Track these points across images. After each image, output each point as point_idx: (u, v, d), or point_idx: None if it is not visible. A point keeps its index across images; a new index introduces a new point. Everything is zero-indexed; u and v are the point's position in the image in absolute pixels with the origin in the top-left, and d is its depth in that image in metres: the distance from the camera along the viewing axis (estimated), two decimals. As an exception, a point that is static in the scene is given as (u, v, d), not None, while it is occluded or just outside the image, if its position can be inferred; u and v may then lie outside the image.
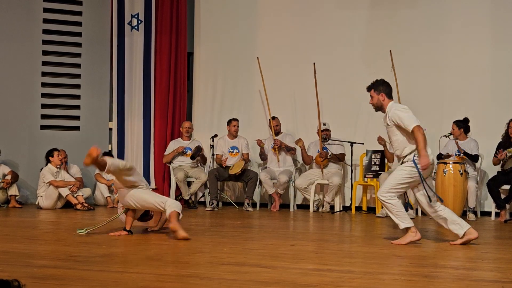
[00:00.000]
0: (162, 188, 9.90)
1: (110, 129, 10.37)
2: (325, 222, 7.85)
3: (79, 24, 10.24)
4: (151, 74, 10.24)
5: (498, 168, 8.42)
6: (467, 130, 8.61)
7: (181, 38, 10.35)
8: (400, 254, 5.02)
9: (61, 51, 10.16)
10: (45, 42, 10.09)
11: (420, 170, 5.51)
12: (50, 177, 9.05)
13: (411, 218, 8.13)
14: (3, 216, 8.06)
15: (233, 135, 9.60)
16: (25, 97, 9.96)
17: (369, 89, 5.83)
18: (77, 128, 10.23)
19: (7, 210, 8.87)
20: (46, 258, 4.79)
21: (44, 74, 10.08)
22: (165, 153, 9.77)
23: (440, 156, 8.48)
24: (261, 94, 9.89)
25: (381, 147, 8.65)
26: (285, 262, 4.52)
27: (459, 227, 5.65)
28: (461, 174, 8.09)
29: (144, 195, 5.89)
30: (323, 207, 9.11)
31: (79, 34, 10.24)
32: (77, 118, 10.23)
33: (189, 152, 9.61)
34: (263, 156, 9.60)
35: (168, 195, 9.63)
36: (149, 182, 9.68)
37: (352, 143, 9.02)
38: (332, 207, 9.09)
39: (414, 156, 5.58)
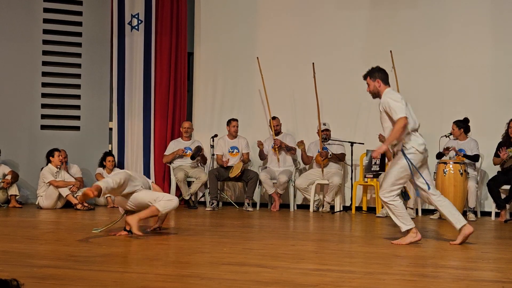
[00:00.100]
0: (163, 188, 9.86)
1: (110, 129, 10.37)
2: (325, 222, 7.85)
3: (79, 24, 10.24)
4: (151, 74, 10.24)
5: (498, 168, 8.42)
6: (467, 130, 8.61)
7: (181, 38, 10.35)
8: (400, 254, 5.02)
9: (61, 51, 10.16)
10: (45, 42, 10.09)
11: (410, 159, 5.51)
12: (50, 177, 9.05)
13: (412, 218, 8.17)
14: (3, 216, 8.06)
15: (233, 135, 9.60)
16: (25, 97, 9.96)
17: (365, 77, 5.86)
18: (77, 128, 10.23)
19: (7, 210, 8.87)
20: (46, 258, 4.79)
21: (44, 74, 10.08)
22: (165, 153, 9.77)
23: (440, 155, 8.48)
24: (261, 94, 9.89)
25: (381, 147, 8.64)
26: (285, 262, 4.52)
27: (457, 220, 5.64)
28: (461, 174, 8.09)
29: (139, 197, 5.88)
30: (323, 207, 9.12)
31: (79, 34, 10.24)
32: (77, 118, 10.23)
33: (189, 152, 9.61)
34: (262, 156, 9.61)
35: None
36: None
37: (352, 143, 9.02)
38: (332, 207, 9.09)
39: (402, 146, 5.59)
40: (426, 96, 9.20)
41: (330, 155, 9.13)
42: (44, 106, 10.07)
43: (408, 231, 5.65)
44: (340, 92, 9.64)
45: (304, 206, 9.52)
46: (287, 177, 9.23)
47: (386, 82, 5.77)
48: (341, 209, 9.09)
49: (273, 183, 9.30)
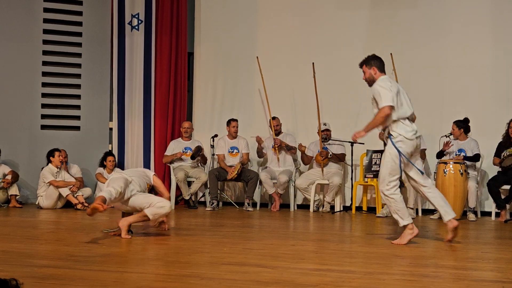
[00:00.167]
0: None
1: (111, 129, 10.37)
2: (325, 222, 7.85)
3: (79, 24, 10.24)
4: (151, 74, 10.24)
5: (498, 168, 8.42)
6: (467, 130, 8.61)
7: (181, 38, 10.36)
8: (400, 254, 5.02)
9: (62, 51, 10.16)
10: (45, 42, 10.09)
11: (398, 148, 5.50)
12: (50, 177, 9.05)
13: (412, 218, 8.16)
14: (4, 216, 8.06)
15: (233, 135, 9.60)
16: (26, 97, 9.96)
17: (361, 65, 5.86)
18: (77, 128, 10.23)
19: (8, 210, 8.87)
20: (46, 258, 4.79)
21: (44, 74, 10.08)
22: (165, 153, 9.77)
23: (440, 155, 8.47)
24: (261, 94, 9.89)
25: (381, 147, 8.64)
26: (285, 262, 4.52)
27: (445, 213, 5.64)
28: (461, 174, 8.09)
29: (134, 202, 5.87)
30: (323, 207, 9.12)
31: (79, 34, 10.24)
32: (78, 118, 10.23)
33: (189, 152, 9.62)
34: (260, 153, 9.59)
35: (169, 196, 9.63)
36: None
37: (352, 143, 9.01)
38: (332, 207, 9.09)
39: (389, 134, 5.57)
40: (426, 96, 9.20)
41: (330, 155, 9.13)
42: (44, 106, 10.07)
43: (405, 227, 5.63)
44: (340, 92, 9.64)
45: (304, 206, 9.52)
46: (288, 177, 9.23)
47: (382, 70, 5.78)
48: (341, 209, 9.09)
49: (273, 183, 9.30)
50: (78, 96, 10.24)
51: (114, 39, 10.29)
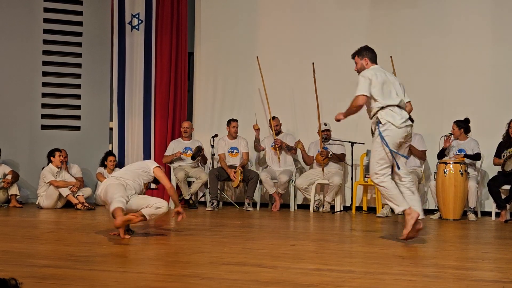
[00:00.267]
0: (163, 188, 9.87)
1: (111, 128, 10.37)
2: (326, 222, 7.85)
3: (79, 24, 10.24)
4: (151, 74, 10.24)
5: (498, 168, 8.42)
6: (467, 130, 8.60)
7: (181, 38, 10.36)
8: (400, 254, 5.02)
9: (62, 50, 10.16)
10: (45, 41, 10.09)
11: (384, 138, 5.47)
12: (50, 177, 9.05)
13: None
14: (4, 216, 8.07)
15: (233, 135, 9.60)
16: (26, 97, 9.96)
17: (353, 56, 5.89)
18: (77, 128, 10.23)
19: (8, 210, 8.87)
20: (47, 257, 4.79)
21: (44, 73, 10.09)
22: (165, 153, 9.77)
23: (441, 155, 8.47)
24: (261, 93, 9.88)
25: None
26: (286, 262, 4.52)
27: (395, 206, 5.59)
28: (462, 174, 8.09)
29: (132, 205, 5.85)
30: (323, 207, 9.12)
31: (79, 34, 10.25)
32: (78, 117, 10.23)
33: (189, 152, 9.62)
34: (257, 147, 9.56)
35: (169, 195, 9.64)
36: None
37: (352, 143, 9.01)
38: (332, 207, 9.09)
39: (377, 121, 5.54)
40: (426, 96, 9.19)
41: (331, 154, 9.13)
42: (44, 106, 10.07)
43: (404, 213, 5.59)
44: (340, 92, 9.59)
45: (304, 206, 9.52)
46: (288, 177, 9.23)
47: (374, 61, 5.81)
48: (342, 209, 9.09)
49: (274, 183, 9.30)
50: (78, 96, 10.24)
51: (114, 39, 10.29)
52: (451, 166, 8.12)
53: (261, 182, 9.32)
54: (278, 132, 9.55)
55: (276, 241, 5.76)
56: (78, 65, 10.23)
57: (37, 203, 9.23)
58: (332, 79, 9.61)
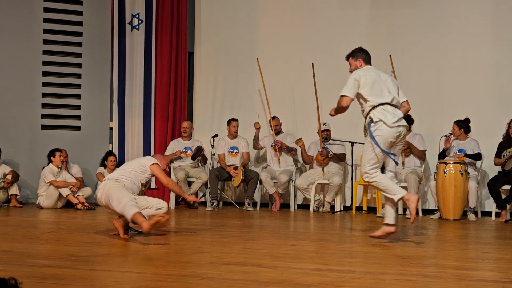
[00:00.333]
0: (163, 188, 9.89)
1: (111, 128, 10.37)
2: (326, 222, 7.84)
3: (79, 23, 10.25)
4: (151, 73, 10.25)
5: (498, 168, 8.42)
6: (467, 130, 8.60)
7: (181, 38, 10.36)
8: (400, 254, 5.02)
9: (62, 50, 10.17)
10: (45, 41, 10.09)
11: (374, 135, 5.45)
12: (50, 177, 9.05)
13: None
14: (4, 216, 8.07)
15: (233, 135, 9.60)
16: (26, 97, 9.96)
17: (347, 57, 5.90)
18: (77, 128, 10.23)
19: (8, 210, 8.87)
20: (47, 257, 4.79)
21: (44, 73, 10.09)
22: (165, 153, 9.77)
23: (442, 156, 8.47)
24: (260, 94, 9.88)
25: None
26: (286, 262, 4.52)
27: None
28: (462, 174, 8.09)
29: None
30: (323, 207, 9.12)
31: (79, 34, 10.25)
32: (78, 117, 10.23)
33: (189, 152, 9.62)
34: (256, 144, 9.56)
35: (169, 195, 9.65)
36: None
37: (352, 143, 9.01)
38: (332, 207, 9.09)
39: (369, 119, 5.53)
40: (426, 96, 9.20)
41: (331, 154, 9.13)
42: (44, 105, 10.07)
43: (402, 199, 5.56)
44: (340, 92, 9.61)
45: (304, 206, 9.52)
46: (288, 177, 9.23)
47: (368, 62, 5.82)
48: (342, 209, 9.09)
49: (274, 183, 9.30)
50: (78, 96, 10.24)
51: (114, 39, 10.30)
52: (451, 166, 8.12)
53: (261, 182, 9.32)
54: (278, 132, 9.55)
55: (276, 241, 5.76)
56: (78, 65, 10.23)
57: (37, 203, 9.23)
58: (332, 79, 9.58)
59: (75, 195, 9.06)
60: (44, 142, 9.75)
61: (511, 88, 9.02)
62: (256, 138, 9.54)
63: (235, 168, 9.28)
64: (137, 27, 10.30)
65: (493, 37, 9.15)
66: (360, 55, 5.79)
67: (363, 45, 9.75)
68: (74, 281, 3.76)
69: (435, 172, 8.37)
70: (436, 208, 8.36)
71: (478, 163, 8.60)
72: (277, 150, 9.37)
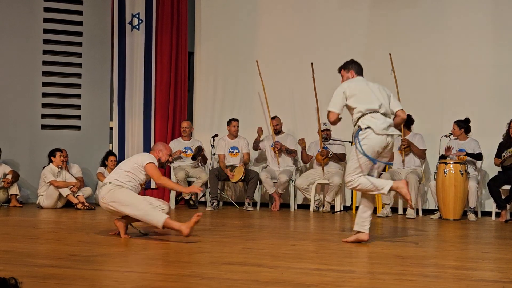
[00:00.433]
0: (162, 188, 9.89)
1: (111, 128, 10.37)
2: (326, 222, 7.85)
3: (79, 23, 10.25)
4: (151, 73, 10.25)
5: (498, 168, 8.42)
6: (467, 130, 8.60)
7: (181, 38, 10.36)
8: (400, 254, 5.02)
9: (62, 50, 10.17)
10: (46, 41, 10.09)
11: (362, 145, 5.43)
12: (50, 177, 9.05)
13: (412, 218, 8.17)
14: (4, 216, 8.07)
15: (233, 135, 9.60)
16: (26, 97, 9.96)
17: (339, 69, 5.89)
18: (77, 128, 10.23)
19: (8, 210, 8.87)
20: (47, 257, 4.79)
21: (44, 73, 10.09)
22: (165, 153, 9.76)
23: (443, 157, 8.46)
24: (260, 95, 9.88)
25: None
26: (286, 262, 4.53)
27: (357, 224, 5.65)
28: (462, 174, 8.09)
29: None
30: (323, 207, 9.12)
31: (79, 34, 10.25)
32: (78, 117, 10.23)
33: (189, 152, 9.62)
34: (256, 145, 9.58)
35: (169, 195, 9.65)
36: (149, 182, 9.66)
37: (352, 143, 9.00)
38: (332, 207, 9.09)
39: (359, 129, 5.51)
40: (426, 96, 9.20)
41: (331, 154, 9.13)
42: (44, 105, 10.07)
43: (392, 189, 5.54)
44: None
45: (304, 206, 9.52)
46: (288, 177, 9.23)
47: (359, 74, 5.81)
48: (342, 209, 9.09)
49: (274, 182, 9.30)
50: (78, 96, 10.24)
51: (114, 38, 10.30)
52: (451, 166, 8.12)
53: (261, 182, 9.32)
54: (278, 132, 9.55)
55: (276, 241, 5.76)
56: (78, 65, 10.23)
57: (37, 202, 9.23)
58: (332, 79, 9.56)
59: (75, 195, 9.06)
60: (44, 142, 9.75)
61: (511, 88, 9.02)
62: (257, 142, 9.56)
63: (234, 168, 9.29)
64: (137, 27, 10.31)
65: (493, 37, 9.15)
66: (352, 67, 5.80)
67: (363, 44, 9.83)
68: (74, 281, 3.76)
69: (435, 172, 8.37)
70: (436, 208, 8.36)
71: (478, 163, 8.60)
72: (277, 152, 9.37)
